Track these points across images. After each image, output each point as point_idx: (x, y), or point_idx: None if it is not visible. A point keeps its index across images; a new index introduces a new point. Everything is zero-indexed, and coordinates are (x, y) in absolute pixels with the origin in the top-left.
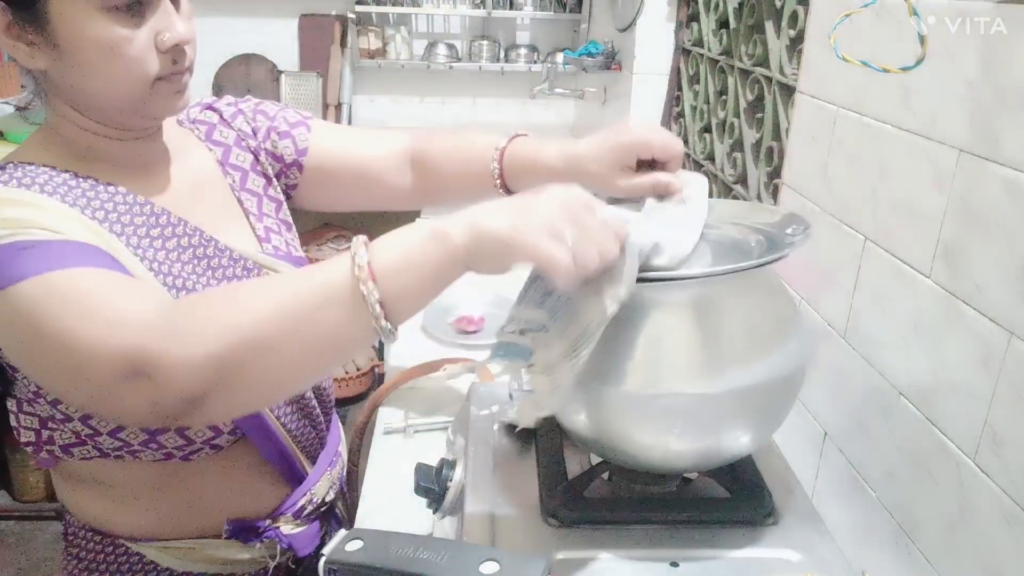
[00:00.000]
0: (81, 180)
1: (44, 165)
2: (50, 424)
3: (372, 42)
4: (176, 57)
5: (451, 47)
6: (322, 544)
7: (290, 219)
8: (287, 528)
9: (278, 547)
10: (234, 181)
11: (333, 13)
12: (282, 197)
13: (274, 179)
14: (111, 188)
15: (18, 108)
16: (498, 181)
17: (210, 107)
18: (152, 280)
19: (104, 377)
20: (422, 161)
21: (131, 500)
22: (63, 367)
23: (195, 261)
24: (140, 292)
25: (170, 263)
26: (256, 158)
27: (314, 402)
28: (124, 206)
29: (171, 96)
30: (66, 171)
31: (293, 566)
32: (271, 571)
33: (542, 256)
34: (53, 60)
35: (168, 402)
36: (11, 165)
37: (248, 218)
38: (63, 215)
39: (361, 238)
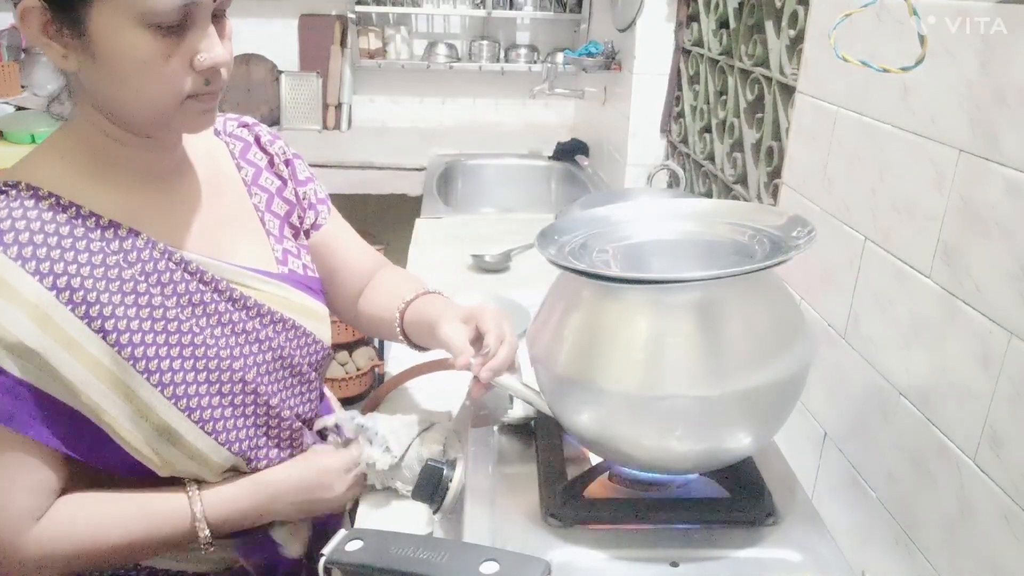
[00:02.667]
0: (68, 209)
1: (30, 189)
2: None
3: (372, 42)
4: (210, 78)
5: (451, 47)
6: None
7: (307, 243)
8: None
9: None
10: (260, 201)
11: (333, 13)
12: (300, 226)
13: (296, 208)
14: (92, 218)
15: (50, 102)
16: (399, 332)
17: (246, 125)
18: (97, 344)
19: None
20: (363, 294)
21: None
22: None
23: (181, 309)
24: (6, 493)
25: (146, 319)
26: (284, 184)
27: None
28: (98, 244)
29: (199, 115)
30: (55, 194)
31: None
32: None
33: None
34: (85, 65)
35: None
36: (5, 191)
37: (269, 239)
38: (11, 304)
39: (194, 488)
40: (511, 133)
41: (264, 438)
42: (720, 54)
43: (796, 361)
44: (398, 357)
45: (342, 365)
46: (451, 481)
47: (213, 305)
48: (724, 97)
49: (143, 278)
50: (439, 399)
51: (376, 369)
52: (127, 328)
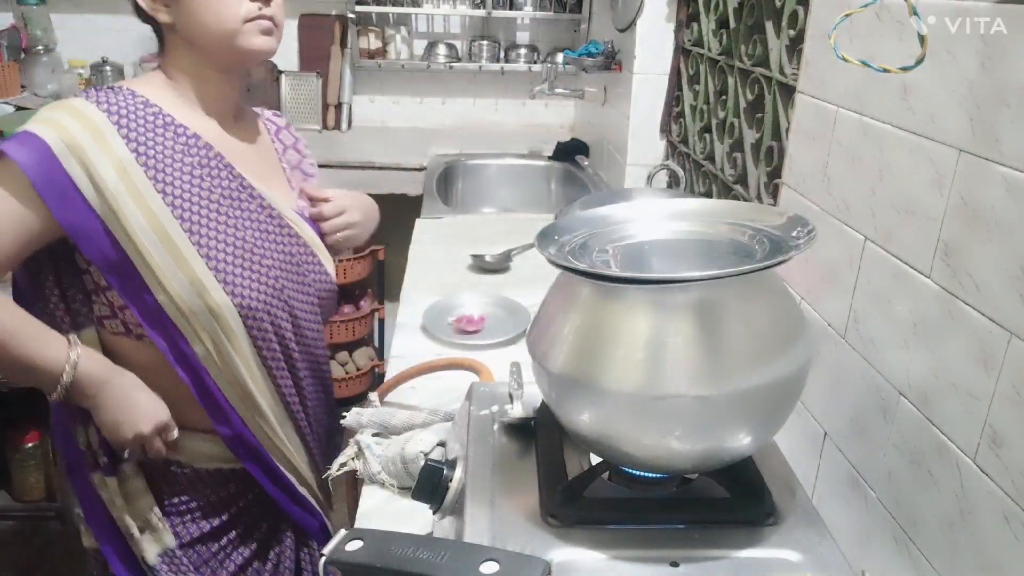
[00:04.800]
0: (162, 115)
1: (142, 95)
2: (92, 297)
3: (372, 42)
4: (262, 4)
5: (451, 47)
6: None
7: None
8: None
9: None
10: (287, 167)
11: (333, 13)
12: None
13: (304, 180)
14: (181, 127)
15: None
16: None
17: (279, 115)
18: (158, 202)
19: None
20: None
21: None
22: None
23: (228, 201)
24: None
25: (199, 198)
26: (302, 160)
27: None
28: (182, 144)
29: (257, 35)
30: (156, 104)
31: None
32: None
33: (112, 436)
34: (175, 12)
35: None
36: (113, 89)
37: (292, 193)
38: (104, 153)
39: (75, 339)
40: (511, 133)
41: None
42: (720, 54)
43: (796, 361)
44: (398, 357)
45: (342, 365)
46: (451, 481)
47: (257, 213)
48: (724, 97)
49: (208, 178)
50: (439, 398)
51: (376, 369)
52: (186, 201)
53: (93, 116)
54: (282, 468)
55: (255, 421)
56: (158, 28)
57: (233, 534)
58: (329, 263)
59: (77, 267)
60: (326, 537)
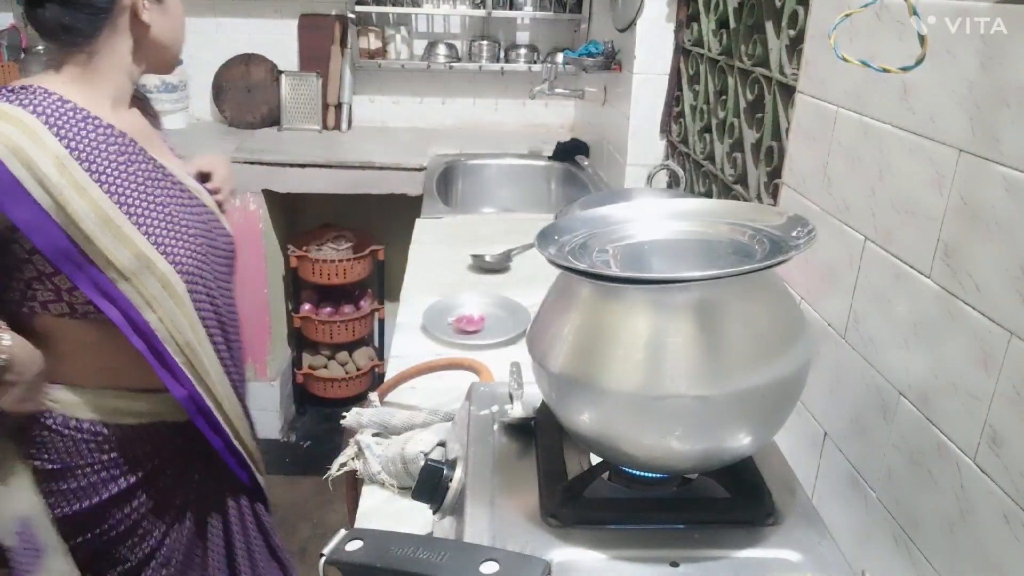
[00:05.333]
0: (79, 111)
1: (55, 93)
2: (34, 284)
3: (372, 42)
4: None
5: (451, 47)
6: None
7: None
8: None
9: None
10: (162, 135)
11: (333, 13)
12: None
13: None
14: (97, 120)
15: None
16: None
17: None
18: (97, 191)
19: None
20: None
21: (73, 353)
22: None
23: (151, 182)
24: None
25: (129, 183)
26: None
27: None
28: (103, 136)
29: None
30: (70, 100)
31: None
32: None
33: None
34: (158, 18)
35: None
36: (26, 89)
37: (174, 153)
38: (41, 151)
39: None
40: (511, 133)
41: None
42: (720, 54)
43: (796, 361)
44: (398, 357)
45: (342, 365)
46: (451, 481)
47: (172, 188)
48: (724, 97)
49: (130, 163)
50: (439, 398)
51: (376, 369)
52: (119, 187)
53: (24, 118)
54: (222, 423)
55: (202, 380)
56: (90, 30)
57: (162, 485)
58: (226, 222)
59: (16, 257)
60: (258, 491)
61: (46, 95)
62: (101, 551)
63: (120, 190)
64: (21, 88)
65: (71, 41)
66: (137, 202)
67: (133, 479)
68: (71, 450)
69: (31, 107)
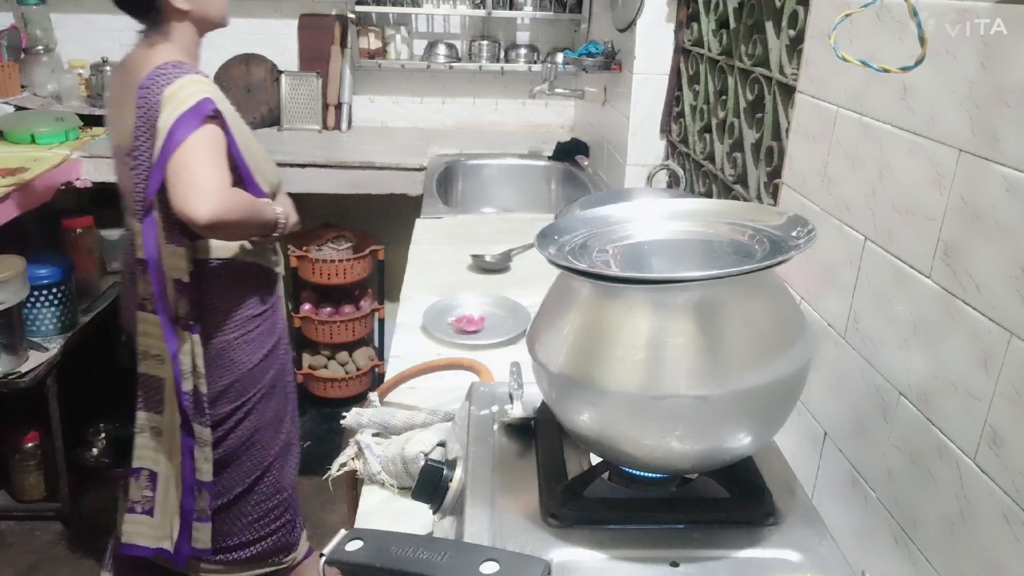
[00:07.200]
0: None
1: (187, 62)
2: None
3: (372, 42)
4: None
5: (451, 47)
6: None
7: None
8: None
9: None
10: None
11: (333, 13)
12: None
13: None
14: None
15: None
16: None
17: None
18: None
19: None
20: None
21: None
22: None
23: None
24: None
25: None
26: None
27: None
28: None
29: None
30: (196, 68)
31: None
32: None
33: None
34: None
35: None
36: (184, 64)
37: None
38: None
39: (279, 209)
40: (511, 133)
41: None
42: (720, 54)
43: (796, 361)
44: (398, 357)
45: (342, 365)
46: (451, 481)
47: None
48: (724, 97)
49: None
50: (439, 398)
51: (376, 369)
52: (245, 125)
53: (209, 81)
54: None
55: None
56: (154, 16)
57: None
58: None
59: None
60: None
61: (190, 65)
62: None
63: (247, 127)
64: (179, 63)
65: (152, 25)
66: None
67: None
68: None
69: (199, 75)
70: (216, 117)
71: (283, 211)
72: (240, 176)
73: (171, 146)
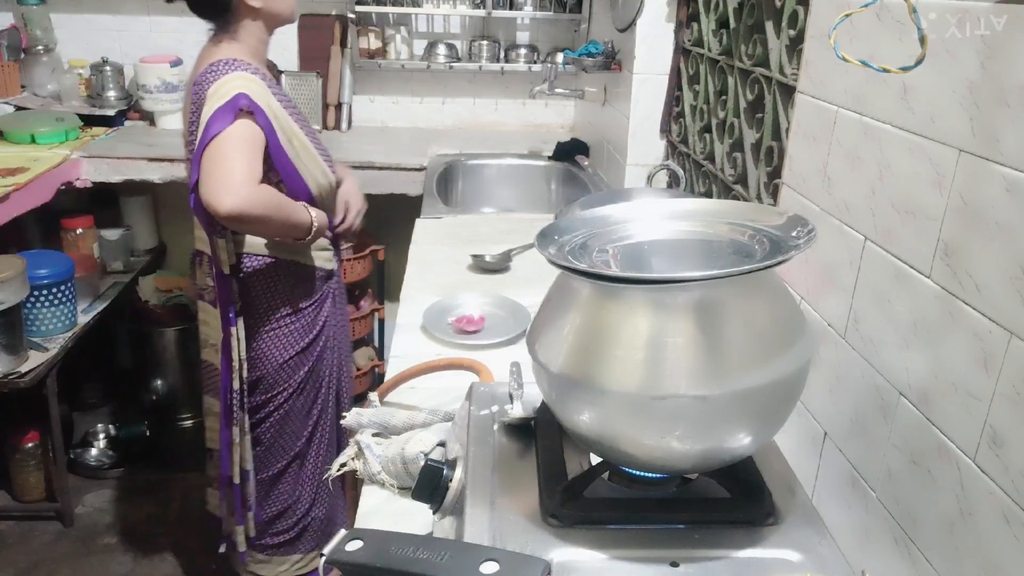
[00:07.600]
0: (255, 68)
1: (242, 59)
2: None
3: (372, 42)
4: None
5: (451, 47)
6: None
7: None
8: None
9: None
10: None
11: (333, 13)
12: None
13: None
14: (264, 74)
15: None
16: None
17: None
18: (300, 133)
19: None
20: None
21: None
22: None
23: (296, 116)
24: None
25: (299, 124)
26: None
27: None
28: (275, 90)
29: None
30: (250, 63)
31: None
32: None
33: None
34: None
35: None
36: (237, 61)
37: None
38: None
39: (314, 213)
40: (511, 133)
41: None
42: (720, 54)
43: (796, 361)
44: (398, 357)
45: None
46: (451, 481)
47: (303, 120)
48: (724, 97)
49: (285, 108)
50: (439, 398)
51: (376, 369)
52: (295, 126)
53: (255, 78)
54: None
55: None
56: (225, 15)
57: None
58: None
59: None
60: None
61: (249, 67)
62: None
63: (297, 128)
64: (232, 60)
65: (222, 24)
66: (307, 138)
67: None
68: None
69: (251, 72)
70: (251, 112)
71: (318, 215)
72: (279, 173)
73: (205, 139)
